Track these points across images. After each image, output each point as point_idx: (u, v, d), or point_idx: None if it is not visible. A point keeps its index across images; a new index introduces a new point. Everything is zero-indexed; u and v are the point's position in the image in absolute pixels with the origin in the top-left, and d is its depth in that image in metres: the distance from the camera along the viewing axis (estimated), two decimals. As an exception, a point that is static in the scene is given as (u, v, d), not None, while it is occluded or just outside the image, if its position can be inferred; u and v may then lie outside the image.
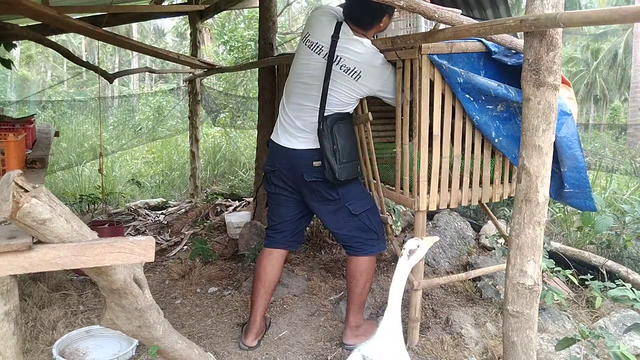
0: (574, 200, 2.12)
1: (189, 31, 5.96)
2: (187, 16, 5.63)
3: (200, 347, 1.82)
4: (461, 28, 1.73)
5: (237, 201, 5.06)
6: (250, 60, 9.47)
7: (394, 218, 3.25)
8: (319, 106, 2.19)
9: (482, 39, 2.10)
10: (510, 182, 2.40)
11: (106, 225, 3.73)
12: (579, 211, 3.03)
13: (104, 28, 3.77)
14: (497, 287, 2.81)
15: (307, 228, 3.54)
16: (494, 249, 2.86)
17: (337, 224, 2.34)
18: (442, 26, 1.83)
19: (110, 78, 5.03)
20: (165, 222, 4.75)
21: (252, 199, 4.37)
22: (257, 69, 3.95)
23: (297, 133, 2.27)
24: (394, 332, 1.54)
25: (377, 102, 2.39)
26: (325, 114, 2.18)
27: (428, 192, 2.17)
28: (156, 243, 3.96)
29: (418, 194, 2.15)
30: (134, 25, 22.05)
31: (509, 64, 2.10)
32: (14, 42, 4.55)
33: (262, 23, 3.77)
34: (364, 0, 2.13)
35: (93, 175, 6.73)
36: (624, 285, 2.04)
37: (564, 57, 20.43)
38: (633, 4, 10.73)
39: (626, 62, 22.25)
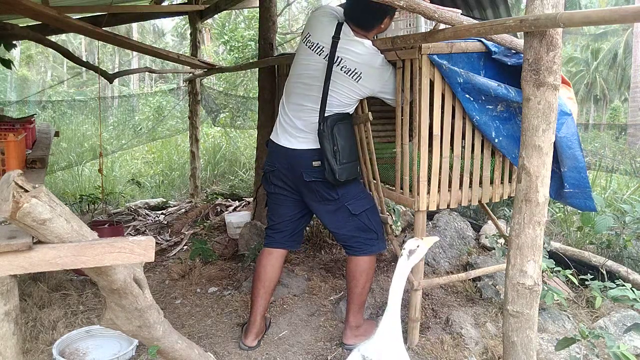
0: (574, 200, 2.12)
1: (189, 31, 5.96)
2: (187, 16, 5.63)
3: (200, 347, 1.82)
4: (461, 28, 1.73)
5: (237, 201, 5.06)
6: (250, 60, 9.48)
7: (394, 218, 3.25)
8: (319, 107, 2.19)
9: (482, 39, 2.10)
10: (510, 182, 2.39)
11: (106, 225, 3.72)
12: (579, 211, 3.03)
13: (104, 28, 3.77)
14: (497, 287, 2.81)
15: (307, 228, 3.54)
16: (494, 249, 2.86)
17: (337, 224, 2.34)
18: (442, 26, 1.83)
19: (110, 78, 5.03)
20: (165, 222, 4.75)
21: (252, 199, 4.37)
22: (257, 69, 3.95)
23: (296, 133, 2.27)
24: (394, 332, 1.53)
25: (377, 102, 2.39)
26: (326, 115, 2.18)
27: (428, 192, 2.17)
28: (156, 243, 3.96)
29: (418, 194, 2.15)
30: (134, 25, 22.08)
31: (509, 64, 2.10)
32: (14, 42, 4.55)
33: (262, 23, 3.77)
34: (364, 1, 2.13)
35: (93, 175, 6.73)
36: (624, 285, 2.04)
37: (564, 57, 20.44)
38: (633, 4, 10.73)
39: (626, 62, 22.27)
